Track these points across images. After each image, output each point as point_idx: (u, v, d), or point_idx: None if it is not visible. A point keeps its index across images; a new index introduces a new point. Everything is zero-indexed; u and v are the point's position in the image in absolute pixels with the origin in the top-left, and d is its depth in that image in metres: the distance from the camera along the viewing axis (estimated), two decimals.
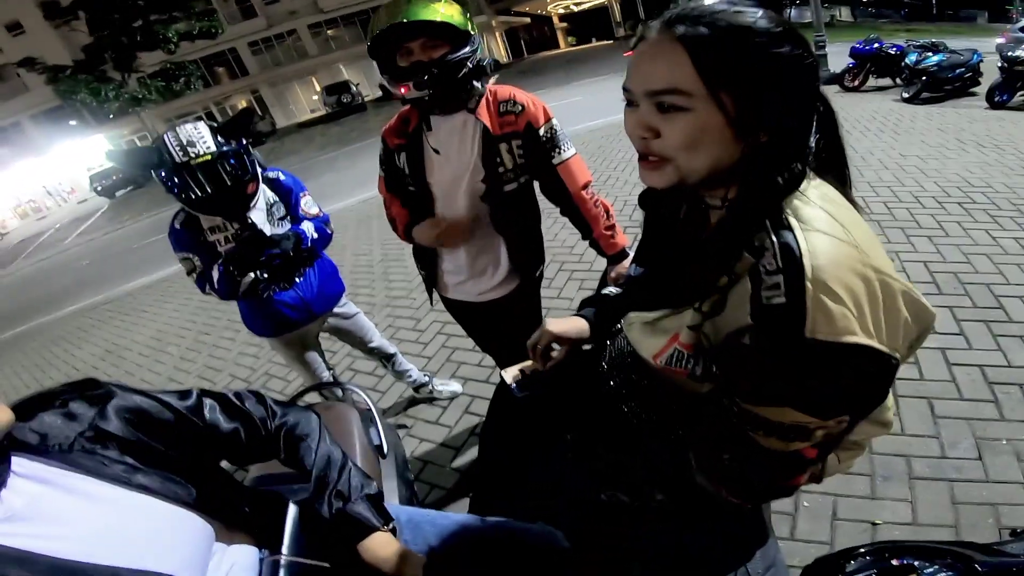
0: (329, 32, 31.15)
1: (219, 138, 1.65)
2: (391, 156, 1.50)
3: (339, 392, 2.07)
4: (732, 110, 0.58)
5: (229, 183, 1.64)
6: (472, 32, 1.30)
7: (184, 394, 0.82)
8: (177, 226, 1.76)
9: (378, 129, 1.49)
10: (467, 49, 1.27)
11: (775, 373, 0.58)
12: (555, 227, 3.76)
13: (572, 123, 8.52)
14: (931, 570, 0.68)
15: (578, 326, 0.99)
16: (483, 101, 1.39)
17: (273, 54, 31.11)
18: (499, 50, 37.72)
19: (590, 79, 15.24)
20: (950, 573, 0.67)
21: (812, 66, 0.62)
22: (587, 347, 1.02)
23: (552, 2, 41.01)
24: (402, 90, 1.29)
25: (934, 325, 0.65)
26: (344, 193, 7.13)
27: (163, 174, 1.62)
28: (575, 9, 43.19)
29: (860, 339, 0.54)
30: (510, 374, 1.02)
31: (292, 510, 0.87)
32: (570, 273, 3.46)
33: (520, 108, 1.39)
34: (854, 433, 0.76)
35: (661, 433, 0.84)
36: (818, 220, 0.59)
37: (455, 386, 2.62)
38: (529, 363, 1.05)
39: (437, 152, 1.41)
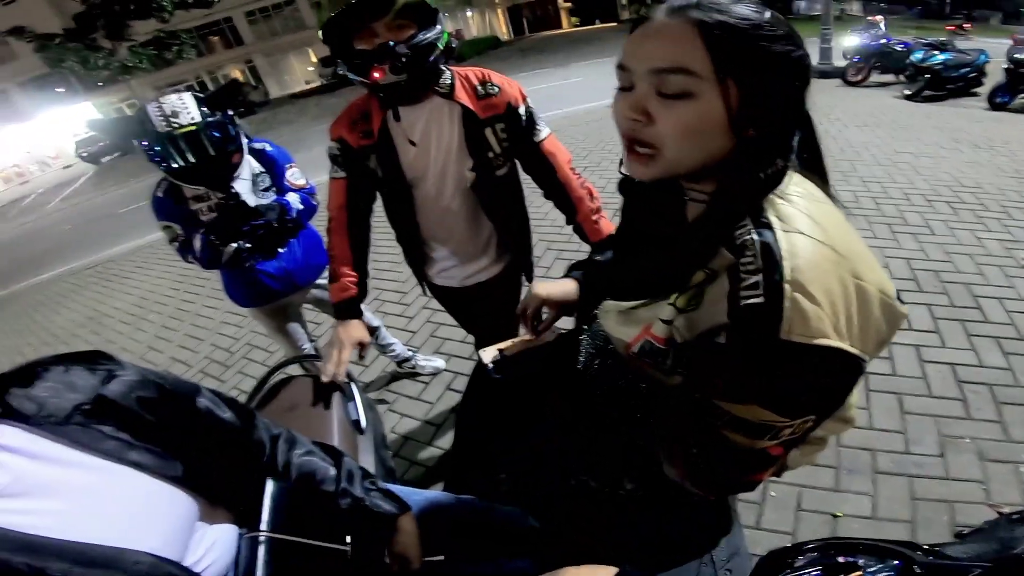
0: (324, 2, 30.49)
1: (204, 109, 1.64)
2: (357, 158, 1.35)
3: (320, 365, 2.07)
4: (735, 101, 0.57)
5: (212, 153, 1.64)
6: (437, 10, 1.21)
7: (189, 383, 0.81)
8: (160, 194, 1.75)
9: None
10: (437, 28, 1.19)
11: (748, 372, 0.58)
12: (545, 207, 3.74)
13: (571, 104, 8.46)
14: (874, 568, 0.70)
15: (566, 288, 0.98)
16: (458, 84, 1.30)
17: (270, 24, 30.46)
18: (501, 27, 37.09)
19: (592, 60, 15.05)
20: (890, 572, 0.69)
21: (808, 67, 0.61)
22: (565, 329, 1.02)
23: None
24: (376, 75, 1.16)
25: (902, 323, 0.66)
26: None
27: (146, 143, 1.62)
28: None
29: (833, 342, 0.54)
30: (488, 355, 1.02)
31: (270, 487, 0.86)
32: (558, 253, 3.48)
33: (497, 89, 1.32)
34: (818, 429, 0.77)
35: (632, 422, 0.85)
36: (799, 220, 0.59)
37: (438, 362, 2.63)
38: (509, 343, 1.04)
39: (414, 144, 1.31)
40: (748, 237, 0.58)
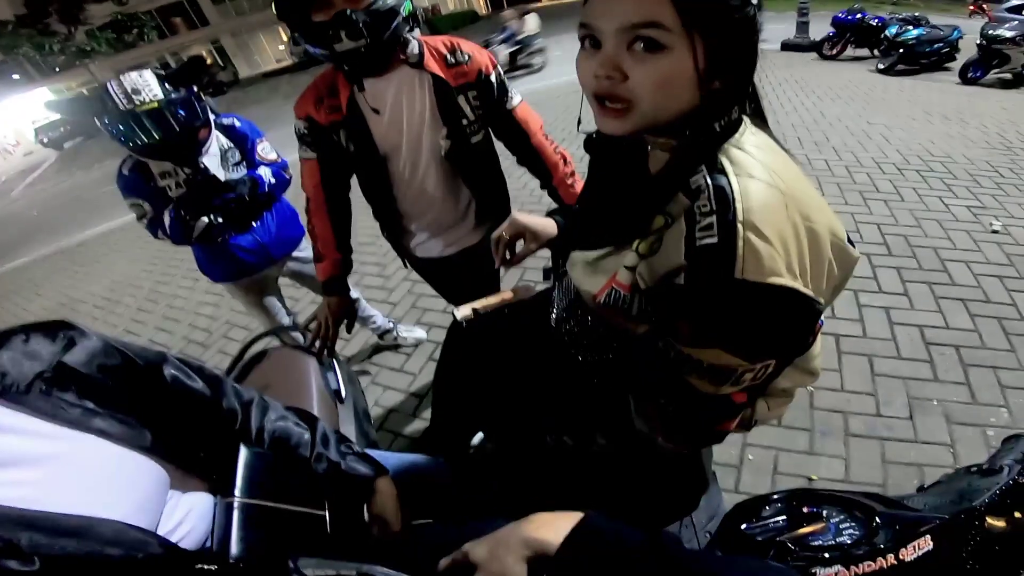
0: None
1: (166, 85, 1.62)
2: (326, 135, 1.32)
3: (300, 338, 2.05)
4: (704, 55, 0.57)
5: (177, 129, 1.62)
6: None
7: (154, 351, 0.79)
8: (125, 172, 1.72)
9: None
10: None
11: (706, 313, 0.59)
12: (524, 176, 3.72)
13: (549, 77, 8.39)
14: (837, 519, 0.73)
15: (546, 223, 0.99)
16: (427, 54, 1.28)
17: (236, 3, 29.39)
18: (478, 1, 36.29)
19: (571, 33, 14.73)
20: (852, 523, 0.72)
21: (758, 20, 0.61)
22: (539, 290, 1.03)
23: None
24: (335, 45, 1.13)
25: (855, 269, 0.68)
26: None
27: (107, 121, 1.60)
28: None
29: (786, 281, 0.56)
30: (461, 312, 1.02)
31: (243, 453, 0.84)
32: (529, 212, 3.46)
33: (468, 57, 1.31)
34: (782, 380, 0.79)
35: (604, 376, 0.86)
36: (751, 166, 0.60)
37: (420, 332, 2.63)
38: (483, 301, 1.04)
39: (377, 112, 1.29)
40: (703, 182, 0.60)
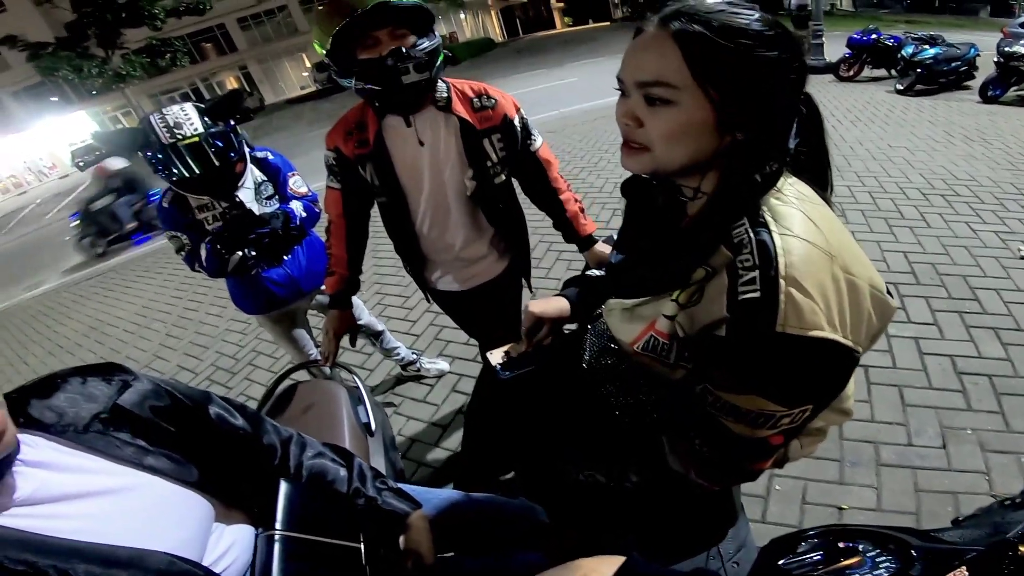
0: (319, 8, 30.51)
1: (206, 119, 1.64)
2: (352, 167, 1.37)
3: (327, 370, 2.09)
4: (715, 107, 0.61)
5: (216, 163, 1.64)
6: (434, 16, 1.25)
7: (199, 391, 0.84)
8: (165, 205, 1.76)
9: None
10: (436, 36, 1.21)
11: (747, 363, 0.61)
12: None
13: (567, 104, 8.46)
14: (872, 553, 0.73)
15: (559, 306, 1.01)
16: (454, 96, 1.33)
17: (263, 30, 30.55)
18: (495, 29, 37.11)
19: (586, 60, 15.11)
20: (888, 556, 0.71)
21: (800, 71, 0.64)
22: (569, 328, 1.05)
23: None
24: (402, 78, 1.18)
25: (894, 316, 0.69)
26: None
27: (150, 154, 1.62)
28: None
29: (827, 334, 0.58)
30: (495, 356, 1.04)
31: (284, 487, 0.87)
32: (559, 254, 3.49)
33: (494, 102, 1.36)
34: (816, 420, 0.80)
35: (637, 416, 0.87)
36: (793, 219, 0.62)
37: (443, 364, 2.65)
38: (513, 345, 1.07)
39: (422, 144, 1.33)
40: (745, 236, 0.62)
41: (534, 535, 1.04)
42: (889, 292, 0.69)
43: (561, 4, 44.97)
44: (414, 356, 2.58)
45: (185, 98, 27.01)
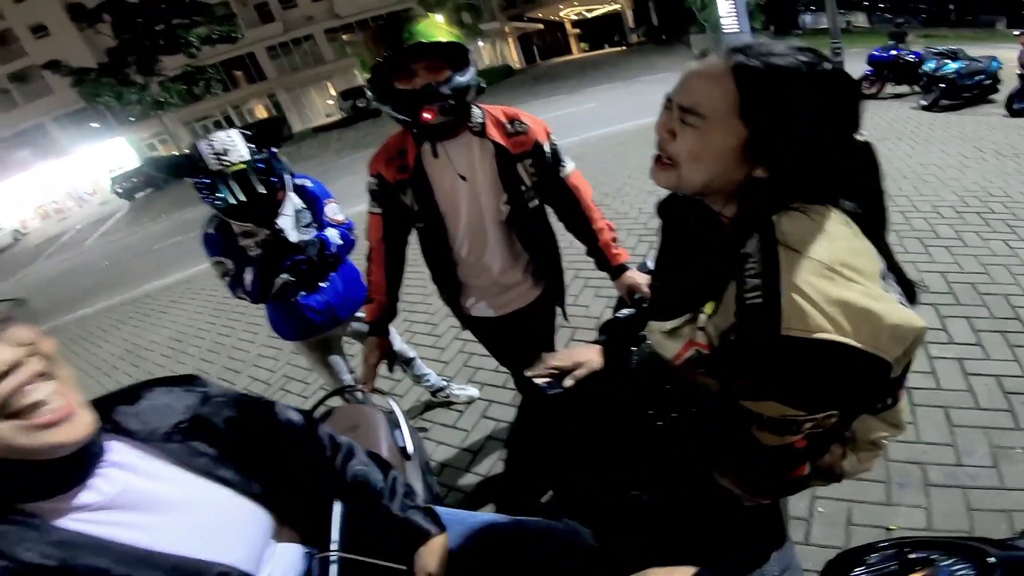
0: (344, 37, 31.46)
1: (251, 146, 1.70)
2: (393, 193, 1.41)
3: (359, 395, 2.11)
4: (745, 138, 0.66)
5: (261, 191, 1.69)
6: (470, 50, 1.29)
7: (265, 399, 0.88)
8: (211, 231, 1.81)
9: (393, 135, 1.44)
10: (471, 70, 1.26)
11: (759, 368, 0.63)
12: (582, 245, 3.76)
13: (587, 129, 8.52)
14: (948, 562, 0.71)
15: (591, 358, 1.04)
16: (488, 122, 1.37)
17: (290, 59, 31.50)
18: (512, 56, 37.89)
19: (604, 85, 15.26)
20: (965, 565, 0.69)
21: (849, 115, 0.67)
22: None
23: (564, 8, 41.08)
24: (427, 116, 1.22)
25: (925, 335, 0.67)
26: (361, 197, 7.01)
27: (197, 181, 1.68)
28: (587, 15, 43.24)
29: (834, 336, 0.59)
30: (541, 376, 1.05)
31: (338, 508, 0.89)
32: (585, 282, 3.50)
33: (526, 127, 1.40)
34: (867, 432, 0.81)
35: (680, 435, 0.88)
36: (801, 231, 0.65)
37: (472, 391, 2.66)
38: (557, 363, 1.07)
39: (464, 178, 1.38)
40: (752, 246, 0.65)
41: (580, 558, 1.03)
42: (911, 301, 0.70)
43: (577, 31, 45.84)
44: (444, 383, 2.59)
45: (218, 126, 28.06)
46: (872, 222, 0.71)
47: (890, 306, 0.62)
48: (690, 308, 0.76)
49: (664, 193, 0.83)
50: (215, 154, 1.64)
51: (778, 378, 0.63)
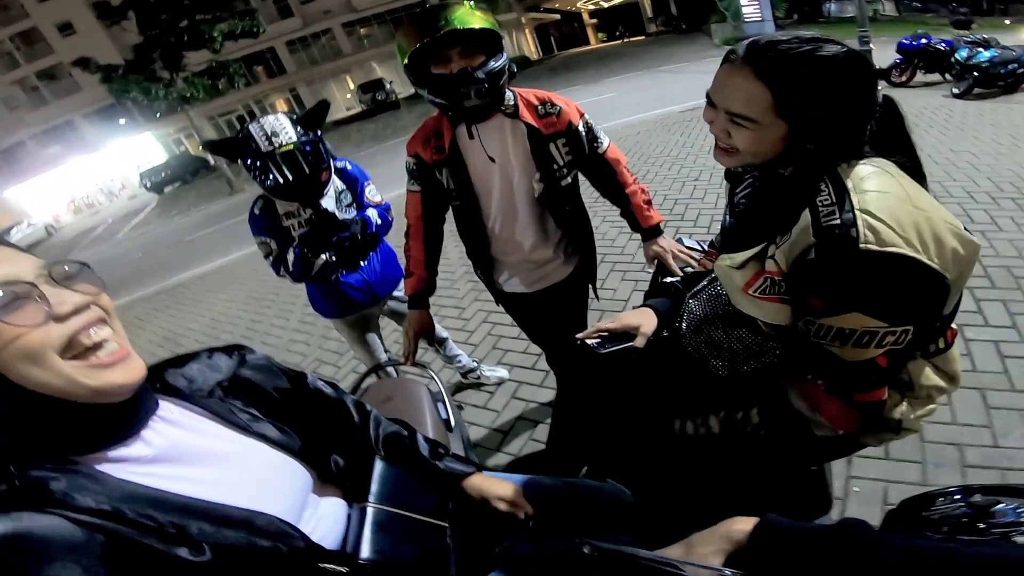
0: (362, 31, 31.64)
1: (298, 128, 1.75)
2: (430, 172, 1.49)
3: (392, 372, 2.16)
4: (790, 128, 0.77)
5: (308, 171, 1.74)
6: (502, 36, 1.33)
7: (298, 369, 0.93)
8: (256, 212, 1.87)
9: (413, 126, 1.49)
10: (504, 55, 1.30)
11: (840, 282, 0.71)
12: (603, 226, 3.83)
13: (607, 119, 8.48)
14: (1013, 504, 0.74)
15: (649, 320, 1.10)
16: (521, 104, 1.42)
17: (309, 53, 31.71)
18: (529, 47, 37.66)
19: (622, 75, 15.13)
20: None
21: (872, 84, 0.77)
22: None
23: None
24: (465, 101, 1.29)
25: (978, 257, 0.77)
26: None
27: (249, 161, 1.74)
28: (604, 5, 42.74)
29: (905, 250, 0.68)
30: (591, 338, 1.08)
31: (379, 465, 0.92)
32: (611, 265, 3.52)
33: (559, 109, 1.45)
34: (923, 379, 0.86)
35: (743, 368, 0.95)
36: (864, 171, 0.76)
37: (502, 372, 2.71)
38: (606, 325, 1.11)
39: (493, 160, 1.43)
40: (823, 185, 0.76)
41: (628, 516, 1.07)
42: (967, 230, 0.77)
43: (594, 21, 45.34)
44: (474, 364, 2.64)
45: (240, 120, 28.26)
46: (915, 171, 0.81)
47: (949, 228, 0.72)
48: (766, 238, 0.84)
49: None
50: (265, 135, 1.69)
51: (859, 289, 0.70)
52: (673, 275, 1.29)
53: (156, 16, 15.97)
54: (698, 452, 1.00)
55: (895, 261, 0.68)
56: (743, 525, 0.59)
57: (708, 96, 0.85)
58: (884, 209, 0.69)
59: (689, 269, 1.31)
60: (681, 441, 1.01)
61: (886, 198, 0.71)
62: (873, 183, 0.73)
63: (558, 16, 41.66)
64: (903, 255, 0.67)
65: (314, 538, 0.70)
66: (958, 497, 0.79)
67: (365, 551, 0.75)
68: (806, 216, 0.75)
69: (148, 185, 23.37)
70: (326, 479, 0.86)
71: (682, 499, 1.03)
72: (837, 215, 0.71)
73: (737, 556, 0.56)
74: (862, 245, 0.68)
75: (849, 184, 0.73)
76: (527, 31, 37.58)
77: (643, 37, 33.11)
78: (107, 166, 29.15)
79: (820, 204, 0.74)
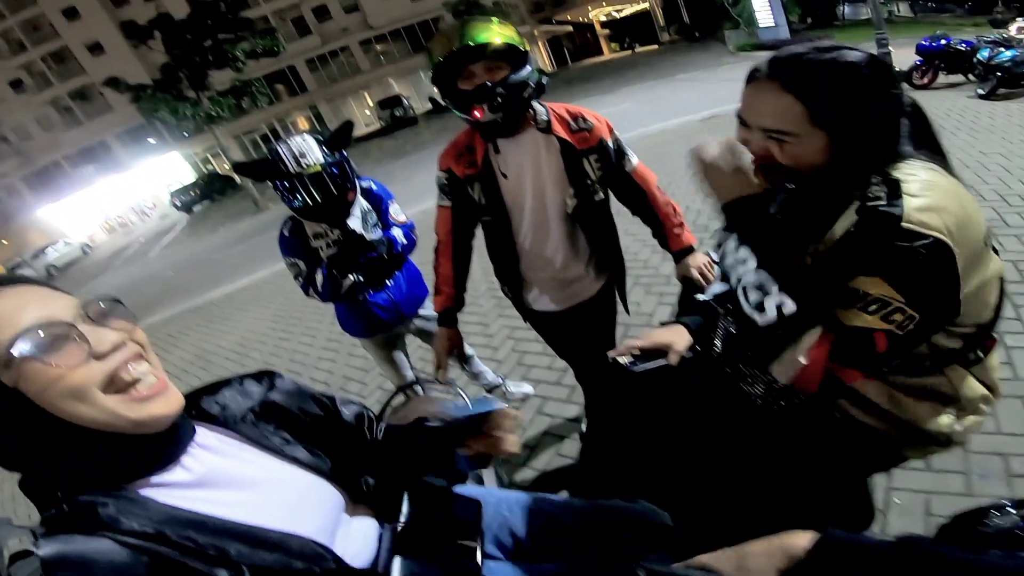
0: (379, 48, 32.25)
1: (324, 149, 1.77)
2: (462, 187, 1.48)
3: (419, 390, 2.18)
4: (829, 137, 0.78)
5: (335, 192, 1.77)
6: (528, 51, 1.33)
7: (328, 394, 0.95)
8: (286, 233, 1.90)
9: (432, 142, 1.53)
10: (528, 69, 1.31)
11: (874, 245, 0.73)
12: (626, 239, 3.77)
13: (625, 130, 8.35)
14: None
15: (682, 337, 1.10)
16: (554, 119, 1.42)
17: (328, 70, 32.40)
18: (543, 59, 37.91)
19: (637, 85, 15.12)
20: None
21: (896, 87, 0.79)
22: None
23: (593, 9, 40.88)
24: (476, 114, 1.29)
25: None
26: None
27: (277, 183, 1.76)
28: (617, 15, 42.89)
29: (944, 237, 0.70)
30: (623, 356, 1.09)
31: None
32: (636, 279, 3.48)
33: (591, 125, 1.45)
34: (968, 390, 0.86)
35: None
36: (915, 172, 0.77)
37: (527, 387, 2.70)
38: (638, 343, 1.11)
39: (505, 176, 1.43)
40: (874, 182, 0.77)
41: (661, 537, 1.06)
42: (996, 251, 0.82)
43: (607, 31, 45.45)
44: (499, 380, 2.64)
45: (264, 139, 28.68)
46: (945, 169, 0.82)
47: (989, 246, 0.77)
48: (814, 241, 0.84)
49: None
50: (293, 157, 1.71)
51: (891, 258, 0.72)
52: (704, 292, 1.29)
53: (181, 36, 16.45)
54: (735, 464, 1.00)
55: (935, 246, 0.70)
56: (801, 540, 0.57)
57: (739, 116, 0.86)
58: (931, 204, 0.72)
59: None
60: (693, 445, 1.01)
61: (938, 190, 0.74)
62: (925, 175, 0.75)
63: (570, 28, 41.88)
64: (943, 242, 0.70)
65: (346, 558, 0.71)
66: (1012, 511, 0.78)
67: (396, 572, 0.77)
68: (851, 209, 0.77)
69: (178, 204, 23.99)
70: (358, 499, 0.87)
71: (700, 506, 1.02)
72: (885, 200, 0.73)
73: (794, 572, 0.55)
74: (904, 224, 0.71)
75: (899, 175, 0.76)
76: (540, 44, 37.84)
77: (656, 46, 33.11)
78: (138, 185, 30.03)
79: (869, 195, 0.76)
